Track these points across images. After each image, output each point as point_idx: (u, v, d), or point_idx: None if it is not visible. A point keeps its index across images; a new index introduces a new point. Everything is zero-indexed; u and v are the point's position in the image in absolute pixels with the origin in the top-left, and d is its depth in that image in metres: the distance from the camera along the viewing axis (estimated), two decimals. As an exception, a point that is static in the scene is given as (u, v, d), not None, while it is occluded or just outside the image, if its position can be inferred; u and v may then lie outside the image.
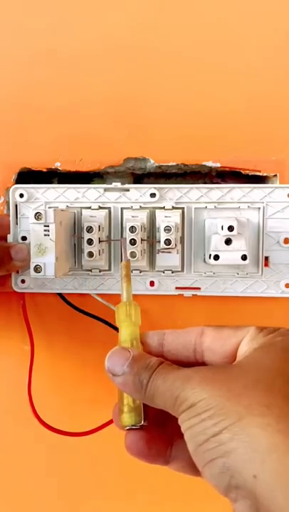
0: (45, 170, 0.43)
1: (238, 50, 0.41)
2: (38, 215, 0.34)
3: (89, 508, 0.46)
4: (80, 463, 0.45)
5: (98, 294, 0.41)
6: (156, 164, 0.42)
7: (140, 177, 0.44)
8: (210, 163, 0.41)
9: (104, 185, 0.40)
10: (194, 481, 0.23)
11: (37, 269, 0.35)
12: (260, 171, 0.41)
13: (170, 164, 0.42)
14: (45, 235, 0.34)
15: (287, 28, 0.40)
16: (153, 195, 0.40)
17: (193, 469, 0.23)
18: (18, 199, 0.40)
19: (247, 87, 0.41)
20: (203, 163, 0.41)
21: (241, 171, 0.41)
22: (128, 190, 0.40)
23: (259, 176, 0.41)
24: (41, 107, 0.42)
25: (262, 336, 0.23)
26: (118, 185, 0.40)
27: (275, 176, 0.41)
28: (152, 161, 0.42)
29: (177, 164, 0.42)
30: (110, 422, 0.38)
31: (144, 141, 0.42)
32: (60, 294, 0.41)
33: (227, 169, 0.41)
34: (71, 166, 0.42)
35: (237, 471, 0.19)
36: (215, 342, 0.25)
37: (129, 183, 0.43)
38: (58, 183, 0.45)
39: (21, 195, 0.40)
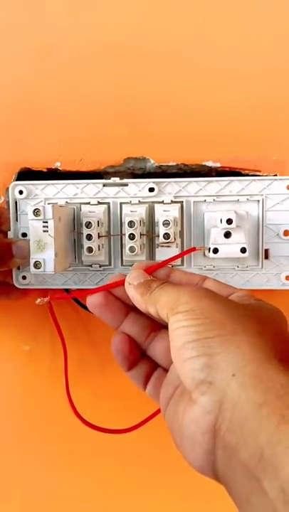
0: (45, 170, 0.43)
1: (238, 50, 0.40)
2: (36, 212, 0.34)
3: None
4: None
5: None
6: (156, 164, 0.42)
7: (140, 177, 0.44)
8: (210, 163, 0.41)
9: (103, 181, 0.40)
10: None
11: (37, 265, 0.35)
12: (260, 171, 0.41)
13: (170, 164, 0.41)
14: (44, 231, 0.35)
15: (287, 27, 0.40)
16: (151, 189, 0.40)
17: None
18: (18, 196, 0.41)
19: (247, 86, 0.41)
20: (203, 163, 0.41)
21: (241, 171, 0.41)
22: (127, 185, 0.40)
23: (259, 176, 0.41)
24: (41, 107, 0.42)
25: (254, 300, 0.28)
26: (117, 180, 0.40)
27: (275, 176, 0.41)
28: (152, 161, 0.42)
29: (177, 164, 0.41)
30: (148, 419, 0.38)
31: (144, 141, 0.42)
32: (66, 290, 0.42)
33: (227, 169, 0.41)
34: (71, 166, 0.42)
35: (218, 369, 0.22)
36: (212, 288, 0.29)
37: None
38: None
39: (21, 192, 0.40)
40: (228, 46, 0.41)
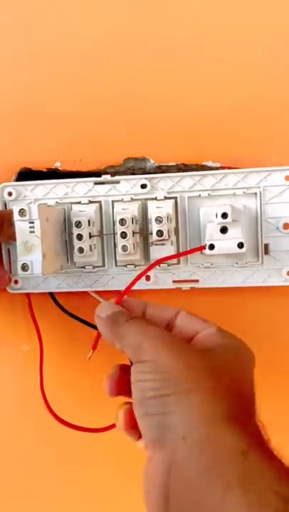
0: (45, 170, 0.42)
1: (238, 50, 0.39)
2: (22, 212, 0.33)
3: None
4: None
5: (95, 292, 0.40)
6: (156, 164, 0.41)
7: None
8: (210, 163, 0.40)
9: (94, 179, 0.39)
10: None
11: (24, 267, 0.33)
12: None
13: (170, 164, 0.40)
14: (30, 231, 0.33)
15: (287, 27, 0.39)
16: (144, 186, 0.38)
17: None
18: (7, 197, 0.39)
19: (247, 87, 0.40)
20: (203, 163, 0.40)
21: None
22: (118, 182, 0.39)
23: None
24: (41, 107, 0.42)
25: (223, 339, 0.27)
26: (108, 177, 0.39)
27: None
28: (152, 161, 0.41)
29: (177, 164, 0.40)
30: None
31: (144, 141, 0.41)
32: (51, 294, 0.40)
33: (227, 169, 0.40)
34: (71, 166, 0.42)
35: (170, 429, 0.22)
36: (184, 322, 0.30)
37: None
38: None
39: (10, 194, 0.39)
40: (229, 46, 0.40)
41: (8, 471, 0.46)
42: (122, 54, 0.41)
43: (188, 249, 0.38)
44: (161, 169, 0.41)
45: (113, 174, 0.40)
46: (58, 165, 0.42)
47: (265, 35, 0.39)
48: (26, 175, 0.42)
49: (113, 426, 0.39)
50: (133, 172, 0.41)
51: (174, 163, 0.40)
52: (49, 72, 0.42)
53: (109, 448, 0.44)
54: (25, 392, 0.44)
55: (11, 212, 0.36)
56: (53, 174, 0.42)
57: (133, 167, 0.41)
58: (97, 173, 0.42)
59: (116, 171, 0.41)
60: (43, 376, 0.40)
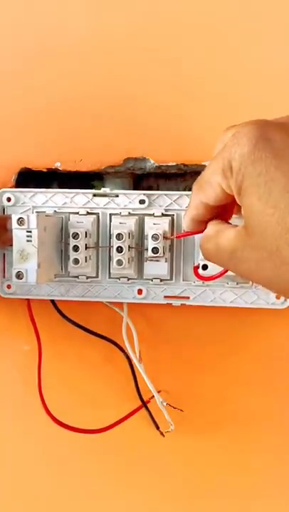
0: (45, 170, 0.42)
1: (237, 50, 0.40)
2: (20, 221, 0.33)
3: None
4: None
5: (85, 301, 0.41)
6: (156, 164, 0.41)
7: (140, 177, 0.43)
8: None
9: (93, 191, 0.39)
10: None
11: (19, 275, 0.34)
12: None
13: (170, 164, 0.41)
14: (27, 240, 0.34)
15: (286, 27, 0.40)
16: (142, 201, 0.39)
17: None
18: (6, 203, 0.40)
19: (247, 86, 0.40)
20: (203, 163, 0.40)
21: None
22: (117, 196, 0.39)
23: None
24: (41, 107, 0.42)
25: None
26: (107, 190, 0.39)
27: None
28: (152, 161, 0.41)
29: (177, 164, 0.41)
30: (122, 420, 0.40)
31: (144, 141, 0.41)
32: (52, 300, 0.41)
33: None
34: (71, 166, 0.42)
35: None
36: None
37: (129, 183, 0.43)
38: (58, 183, 0.44)
39: (9, 199, 0.40)
40: (228, 46, 0.40)
41: (5, 471, 0.46)
42: (122, 53, 0.41)
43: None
44: (161, 169, 0.41)
45: (113, 174, 0.41)
46: (58, 165, 0.42)
47: (265, 36, 0.40)
48: (26, 175, 0.42)
49: (110, 427, 0.40)
50: (133, 172, 0.42)
51: (174, 163, 0.41)
52: (49, 72, 0.42)
53: (106, 449, 0.44)
54: (23, 393, 0.44)
55: (6, 218, 0.36)
56: (53, 174, 0.42)
57: (133, 167, 0.42)
58: (97, 174, 0.42)
59: (116, 171, 0.42)
60: (41, 377, 0.40)
